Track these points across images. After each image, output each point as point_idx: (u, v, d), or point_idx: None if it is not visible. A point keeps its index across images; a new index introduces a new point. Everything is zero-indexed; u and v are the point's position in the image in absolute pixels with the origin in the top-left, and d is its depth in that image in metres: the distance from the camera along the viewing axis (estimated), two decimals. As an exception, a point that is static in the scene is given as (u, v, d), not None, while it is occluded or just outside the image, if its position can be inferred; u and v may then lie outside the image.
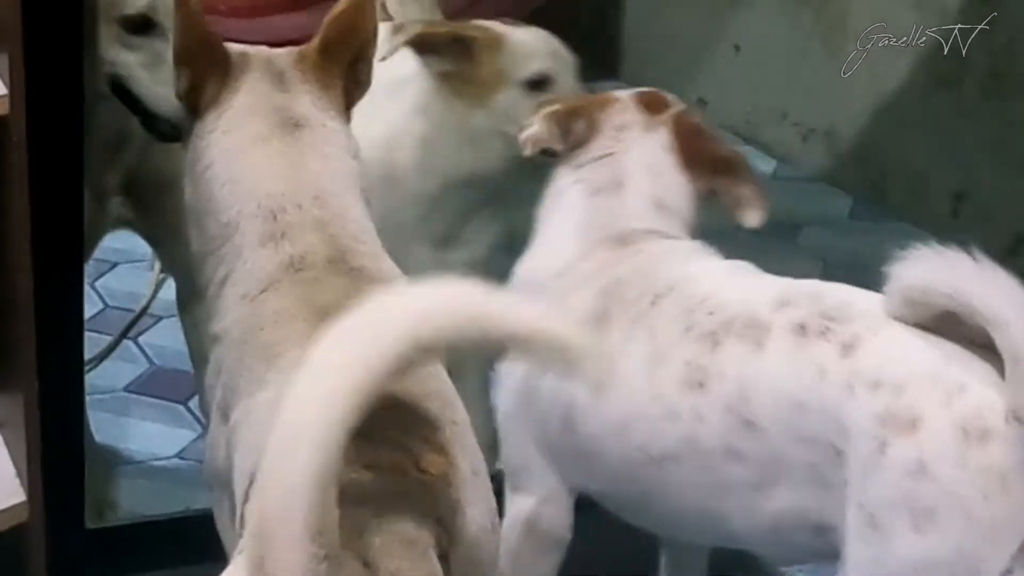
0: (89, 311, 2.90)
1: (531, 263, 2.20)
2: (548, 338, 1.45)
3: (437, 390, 1.64)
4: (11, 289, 2.22)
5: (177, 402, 3.01)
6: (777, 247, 3.63)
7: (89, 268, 2.30)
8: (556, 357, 1.49)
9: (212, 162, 1.88)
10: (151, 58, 2.29)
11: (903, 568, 1.84)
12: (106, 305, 3.27)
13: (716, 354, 2.00)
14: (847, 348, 1.90)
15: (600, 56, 4.00)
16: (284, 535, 1.32)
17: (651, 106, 2.24)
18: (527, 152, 2.23)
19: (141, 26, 2.29)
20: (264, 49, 1.96)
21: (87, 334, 2.34)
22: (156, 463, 2.84)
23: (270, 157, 1.85)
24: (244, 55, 1.92)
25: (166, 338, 3.18)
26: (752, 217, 2.20)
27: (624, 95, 2.26)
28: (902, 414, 1.83)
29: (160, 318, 3.25)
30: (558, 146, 2.22)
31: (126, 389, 3.04)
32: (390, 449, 1.51)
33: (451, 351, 1.49)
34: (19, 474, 2.28)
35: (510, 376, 2.16)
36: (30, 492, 2.26)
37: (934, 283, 1.84)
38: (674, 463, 2.01)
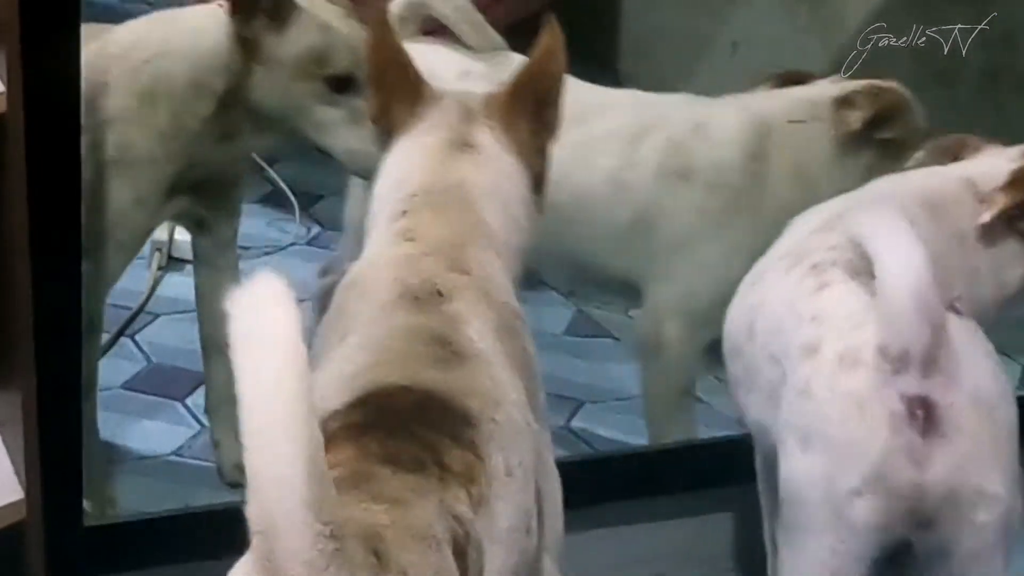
0: (87, 309, 2.91)
1: None
2: None
3: (482, 388, 1.66)
4: (9, 287, 2.22)
5: (175, 399, 3.01)
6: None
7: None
8: None
9: (385, 168, 1.93)
10: (351, 115, 2.37)
11: (793, 487, 1.98)
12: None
13: (770, 268, 2.22)
14: (820, 288, 2.06)
15: (597, 52, 4.00)
16: (287, 520, 1.33)
17: None
18: None
19: (343, 85, 2.37)
20: (460, 90, 2.02)
21: (85, 331, 2.35)
22: (154, 460, 2.84)
23: (428, 160, 1.91)
24: (440, 91, 1.97)
25: (164, 335, 3.19)
26: None
27: None
28: (811, 343, 2.00)
29: (158, 315, 3.25)
30: None
31: (124, 386, 3.04)
32: (412, 445, 1.53)
33: None
34: (17, 471, 2.28)
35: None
36: (28, 490, 2.26)
37: (855, 236, 2.02)
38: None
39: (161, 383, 3.07)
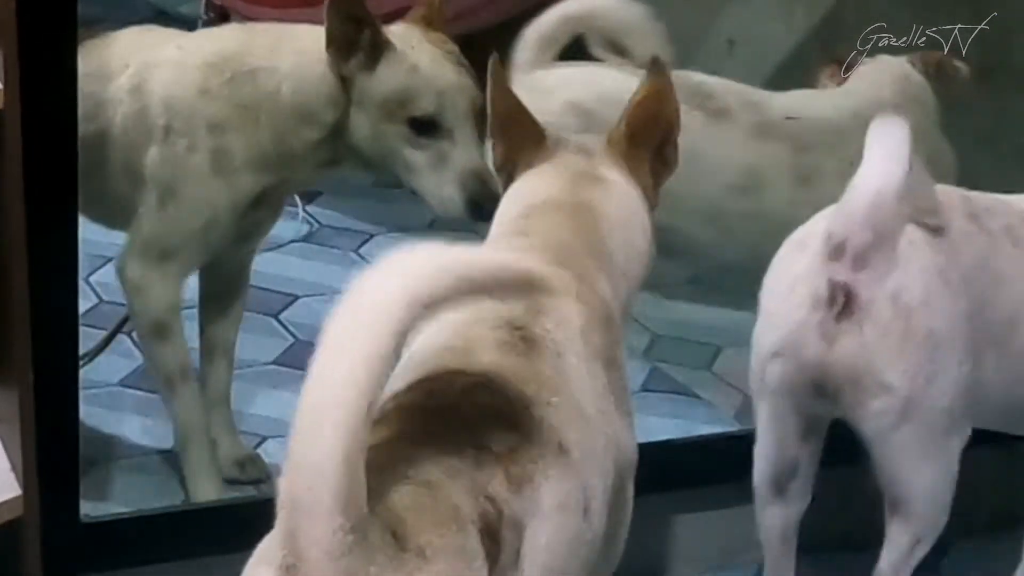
0: (83, 306, 2.90)
1: None
2: (514, 274, 1.58)
3: (543, 375, 1.69)
4: (7, 284, 2.22)
5: (172, 396, 3.01)
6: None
7: (83, 263, 2.31)
8: (522, 288, 1.61)
9: (508, 196, 1.98)
10: (436, 158, 2.39)
11: None
12: (100, 300, 3.28)
13: None
14: None
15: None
16: (314, 509, 1.36)
17: None
18: None
19: (427, 127, 2.38)
20: (578, 136, 2.07)
21: (81, 329, 2.34)
22: (151, 457, 2.84)
23: (558, 181, 1.95)
24: (559, 137, 2.02)
25: (160, 332, 3.18)
26: None
27: None
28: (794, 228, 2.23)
29: (154, 312, 3.24)
30: None
31: (121, 383, 3.04)
32: (452, 427, 1.57)
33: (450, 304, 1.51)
34: (14, 468, 2.28)
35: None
36: (25, 486, 2.26)
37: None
38: None
39: (158, 380, 3.06)
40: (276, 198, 2.60)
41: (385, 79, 2.38)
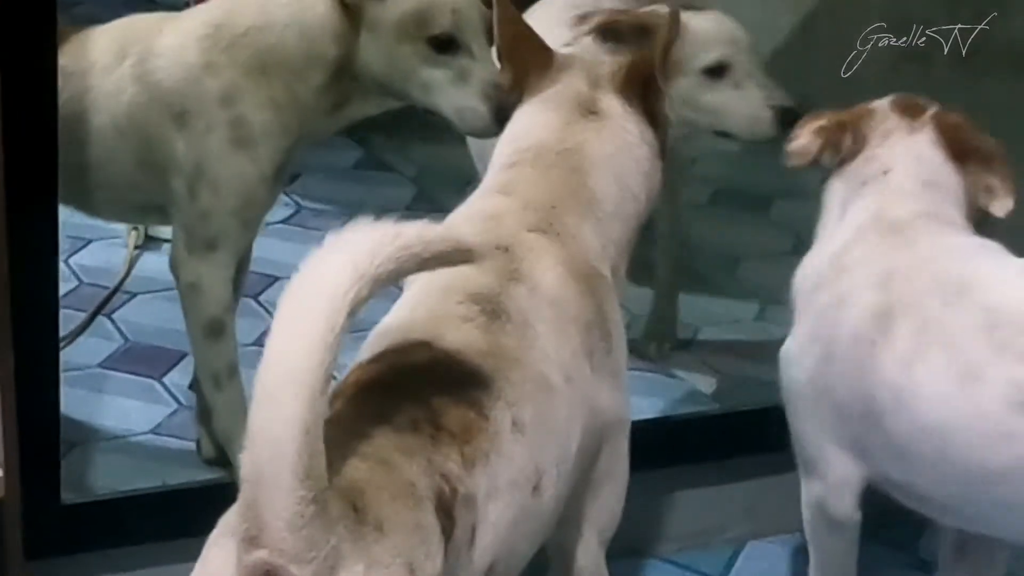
0: (64, 288, 2.91)
1: (803, 266, 2.26)
2: (451, 246, 1.58)
3: (503, 347, 1.71)
4: (-14, 267, 2.23)
5: (152, 378, 3.01)
6: (751, 220, 3.64)
7: (63, 245, 2.31)
8: (455, 259, 1.60)
9: (509, 125, 2.03)
10: (455, 74, 2.40)
11: None
12: (80, 282, 3.28)
13: None
14: None
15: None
16: (275, 481, 1.39)
17: (910, 110, 2.30)
18: (792, 164, 2.29)
19: (446, 45, 2.40)
20: (588, 56, 2.13)
21: (61, 311, 2.35)
22: (131, 439, 2.85)
23: (552, 120, 1.99)
24: (569, 57, 2.07)
25: (141, 314, 3.19)
26: (999, 207, 2.23)
27: (881, 104, 2.31)
28: None
29: (135, 294, 3.25)
30: (826, 159, 2.27)
31: (101, 365, 3.04)
32: (410, 403, 1.59)
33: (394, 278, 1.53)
34: (-5, 450, 2.29)
35: (799, 366, 2.18)
36: (6, 468, 2.26)
37: None
38: (1011, 479, 2.00)
39: (138, 362, 3.07)
40: (288, 165, 2.61)
41: (398, 2, 2.40)
